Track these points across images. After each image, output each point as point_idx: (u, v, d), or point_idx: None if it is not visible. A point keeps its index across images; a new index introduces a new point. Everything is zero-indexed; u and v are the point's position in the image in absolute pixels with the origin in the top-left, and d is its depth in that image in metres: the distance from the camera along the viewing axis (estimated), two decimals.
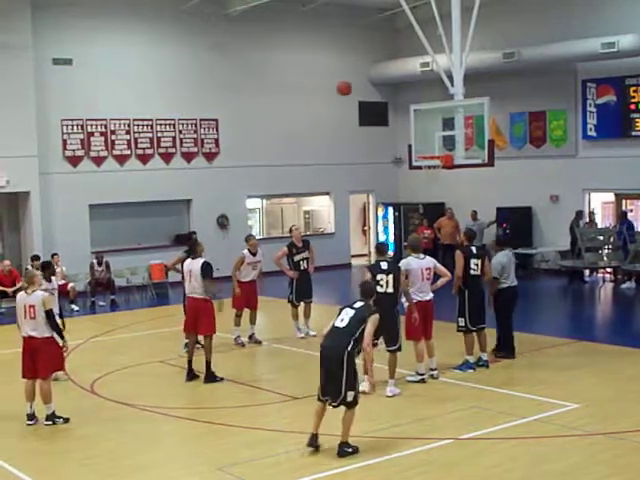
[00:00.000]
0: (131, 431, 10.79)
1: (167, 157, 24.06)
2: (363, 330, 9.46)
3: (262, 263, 15.86)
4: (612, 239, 22.24)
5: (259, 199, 26.63)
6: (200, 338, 13.59)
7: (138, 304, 21.38)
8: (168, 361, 14.55)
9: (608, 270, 22.82)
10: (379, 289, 11.71)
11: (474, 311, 13.24)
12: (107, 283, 21.32)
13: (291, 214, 27.57)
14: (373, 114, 27.71)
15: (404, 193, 27.91)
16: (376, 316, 9.64)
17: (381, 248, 12.98)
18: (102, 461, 9.67)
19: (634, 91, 22.21)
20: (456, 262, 13.33)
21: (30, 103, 21.41)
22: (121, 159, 23.31)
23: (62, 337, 11.13)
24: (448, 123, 16.90)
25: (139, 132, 23.52)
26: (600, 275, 23.20)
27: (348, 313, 9.64)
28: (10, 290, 19.24)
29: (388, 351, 12.05)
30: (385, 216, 27.89)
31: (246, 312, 15.81)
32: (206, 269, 13.13)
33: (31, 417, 11.05)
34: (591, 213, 23.63)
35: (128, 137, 23.37)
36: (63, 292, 14.19)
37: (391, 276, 11.90)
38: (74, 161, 22.64)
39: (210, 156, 24.81)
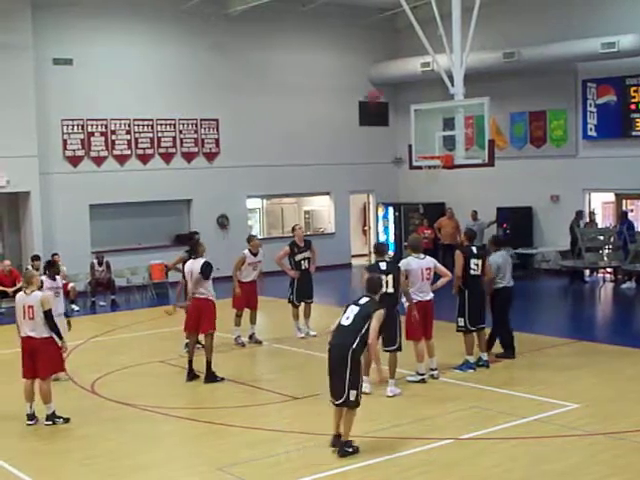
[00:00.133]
0: (131, 431, 10.80)
1: (167, 157, 24.07)
2: (369, 326, 9.46)
3: (262, 263, 15.87)
4: (612, 239, 22.25)
5: (259, 199, 26.63)
6: (201, 338, 13.60)
7: (138, 304, 21.39)
8: (168, 361, 14.56)
9: (608, 270, 22.81)
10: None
11: (474, 311, 13.23)
12: (107, 283, 21.33)
13: (291, 214, 27.56)
14: (373, 114, 27.71)
15: (404, 193, 27.91)
16: (381, 312, 9.65)
17: (380, 248, 12.96)
18: (102, 461, 9.67)
19: (634, 91, 22.21)
20: (455, 262, 13.33)
21: (30, 103, 21.41)
22: (121, 159, 23.32)
23: (61, 338, 11.12)
24: (448, 123, 16.90)
25: (139, 132, 23.53)
26: (600, 275, 23.19)
27: (353, 310, 9.64)
28: (10, 290, 19.25)
29: (387, 351, 12.05)
30: (385, 216, 27.90)
31: (246, 312, 15.81)
32: (205, 269, 13.14)
33: (31, 417, 11.05)
34: (591, 213, 23.63)
35: (128, 137, 23.37)
36: (63, 292, 14.22)
37: (390, 276, 11.89)
38: (74, 161, 22.65)
39: (210, 156, 24.82)
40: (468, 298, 13.21)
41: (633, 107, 22.28)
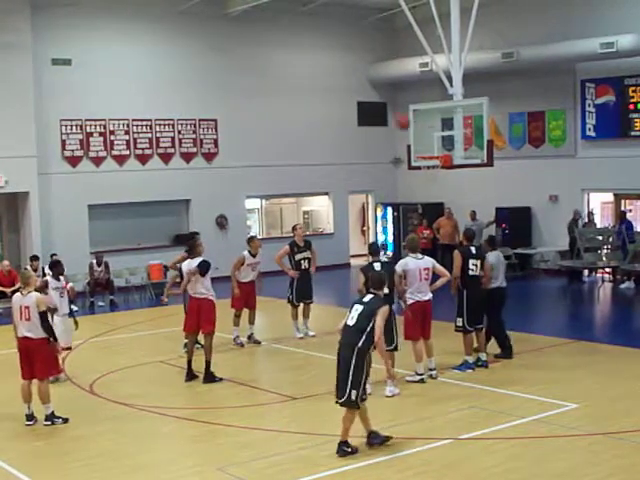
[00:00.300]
0: (130, 431, 10.79)
1: (166, 157, 24.06)
2: (374, 324, 9.47)
3: (261, 264, 15.85)
4: (611, 239, 22.25)
5: (258, 199, 26.62)
6: (200, 338, 13.60)
7: (137, 304, 21.39)
8: (168, 361, 14.55)
9: (607, 270, 22.81)
10: None
11: (472, 311, 13.23)
12: (106, 283, 21.32)
13: (290, 214, 27.55)
14: (372, 114, 27.72)
15: (403, 193, 27.91)
16: (385, 308, 9.67)
17: (374, 249, 12.94)
18: (101, 461, 9.66)
19: (633, 91, 22.21)
20: (454, 262, 13.32)
21: (29, 103, 21.40)
22: (120, 159, 23.31)
23: (55, 339, 11.09)
24: (447, 123, 16.90)
25: (138, 132, 23.51)
26: (599, 275, 23.19)
27: (357, 309, 9.64)
28: (9, 290, 19.22)
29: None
30: (384, 216, 27.90)
31: (245, 312, 15.80)
32: (202, 266, 13.11)
33: (30, 417, 11.04)
34: (590, 213, 23.63)
35: (127, 137, 23.36)
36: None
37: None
38: (73, 161, 22.64)
39: (209, 156, 24.81)
40: (467, 298, 13.21)
41: (632, 107, 22.29)
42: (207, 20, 24.17)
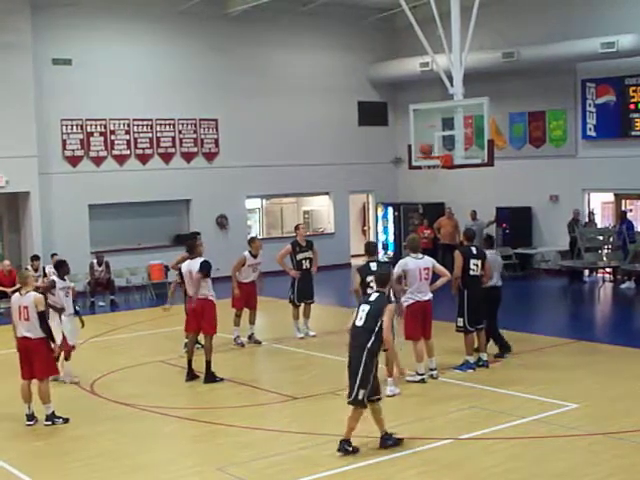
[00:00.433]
0: (130, 431, 10.80)
1: (167, 157, 24.06)
2: (382, 323, 9.49)
3: (262, 264, 15.85)
4: (612, 239, 22.25)
5: (259, 199, 26.62)
6: (200, 338, 13.60)
7: (138, 304, 21.39)
8: (168, 361, 14.55)
9: (608, 270, 22.81)
10: (369, 291, 11.74)
11: (473, 311, 13.22)
12: (107, 283, 21.32)
13: (291, 214, 27.55)
14: (372, 114, 27.72)
15: (404, 193, 27.91)
16: (391, 306, 9.71)
17: (370, 248, 12.92)
18: (102, 461, 9.67)
19: (633, 91, 22.21)
20: (455, 262, 13.32)
21: (29, 103, 21.40)
22: (121, 159, 23.31)
23: (53, 340, 11.09)
24: (448, 123, 16.89)
25: (139, 132, 23.52)
26: (600, 275, 23.19)
27: (365, 309, 9.65)
28: (9, 290, 19.19)
29: (385, 351, 12.03)
30: (385, 216, 27.90)
31: (245, 312, 15.80)
32: (205, 266, 13.10)
33: (30, 417, 11.05)
34: (590, 213, 23.63)
35: (128, 137, 23.36)
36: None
37: None
38: (74, 161, 22.64)
39: (210, 156, 24.81)
40: (467, 298, 13.20)
41: (632, 107, 22.28)
42: (207, 20, 24.17)
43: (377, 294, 9.84)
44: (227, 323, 15.36)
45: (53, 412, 11.04)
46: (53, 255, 20.27)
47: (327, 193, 27.50)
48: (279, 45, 25.69)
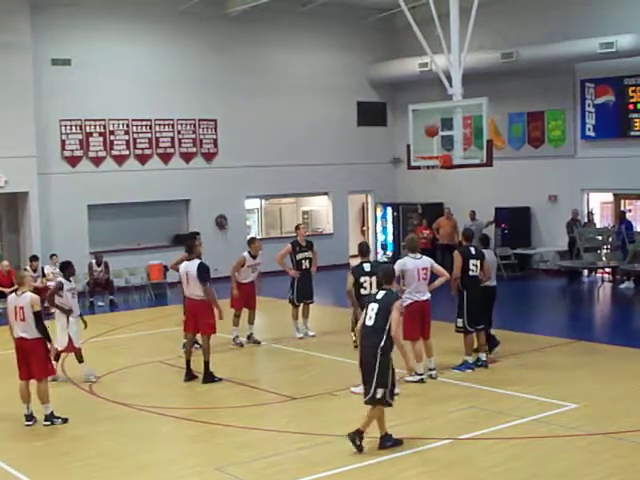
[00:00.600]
0: (130, 431, 10.79)
1: (166, 157, 24.05)
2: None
3: (261, 265, 15.84)
4: (611, 239, 22.25)
5: (258, 199, 26.61)
6: (198, 337, 13.58)
7: (137, 304, 21.38)
8: (167, 361, 14.55)
9: (607, 270, 22.81)
10: (363, 291, 11.79)
11: (473, 312, 13.21)
12: (106, 283, 21.31)
13: (290, 214, 27.56)
14: (372, 114, 27.72)
15: (403, 193, 27.91)
16: (399, 302, 9.72)
17: (363, 249, 12.91)
18: (101, 461, 9.67)
19: (632, 91, 22.21)
20: (454, 263, 13.31)
21: (29, 103, 21.39)
22: (120, 159, 23.30)
23: (49, 340, 11.08)
24: (447, 123, 16.89)
25: (138, 132, 23.51)
26: (599, 275, 23.20)
27: (373, 309, 9.65)
28: (8, 291, 19.17)
29: None
30: (384, 216, 27.90)
31: (245, 312, 15.79)
32: (203, 273, 13.03)
33: (29, 418, 11.04)
34: (590, 213, 23.63)
35: (127, 137, 23.35)
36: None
37: (374, 278, 11.88)
38: (73, 161, 22.63)
39: (209, 156, 24.81)
40: (467, 299, 13.19)
41: (631, 107, 22.29)
42: (207, 20, 24.15)
43: (384, 292, 9.83)
44: (226, 323, 15.31)
45: (52, 412, 11.03)
46: (52, 255, 20.30)
47: (326, 193, 27.50)
48: (279, 45, 25.69)
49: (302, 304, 16.21)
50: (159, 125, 23.85)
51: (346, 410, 11.24)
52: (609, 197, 24.20)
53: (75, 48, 22.42)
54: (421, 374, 12.57)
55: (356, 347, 12.03)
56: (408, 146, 17.41)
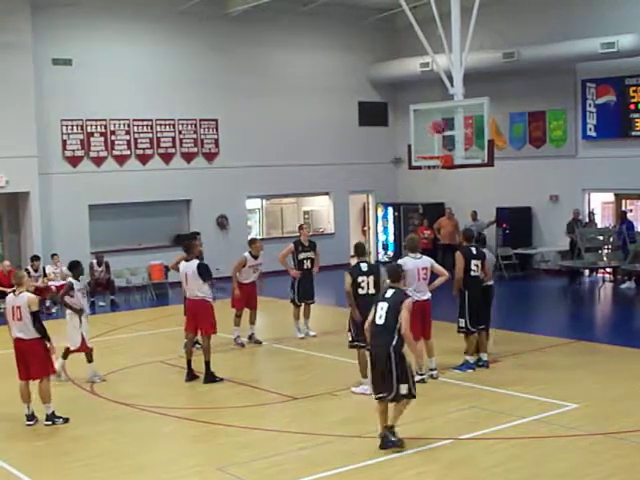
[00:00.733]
0: (131, 431, 10.79)
1: (167, 157, 24.05)
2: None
3: (262, 265, 15.84)
4: (612, 239, 22.24)
5: (259, 199, 26.61)
6: (199, 337, 13.58)
7: (138, 304, 21.38)
8: (168, 361, 14.55)
9: (608, 270, 22.81)
10: (360, 291, 11.76)
11: (474, 312, 13.21)
12: (107, 283, 21.30)
13: (291, 214, 27.55)
14: (373, 114, 27.72)
15: (404, 193, 27.90)
16: (409, 300, 9.74)
17: (359, 249, 12.89)
18: (102, 461, 9.67)
19: (634, 91, 22.20)
20: (456, 263, 13.30)
21: (30, 103, 21.39)
22: (121, 159, 23.30)
23: (49, 340, 11.07)
24: (448, 123, 16.88)
25: (139, 132, 23.51)
26: (600, 275, 23.19)
27: (383, 308, 9.66)
28: (9, 290, 19.17)
29: None
30: (385, 216, 27.90)
31: (246, 312, 15.79)
32: (204, 272, 13.05)
33: (30, 417, 11.04)
34: (591, 213, 23.63)
35: (128, 137, 23.35)
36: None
37: (372, 277, 11.88)
38: (74, 161, 22.63)
39: (210, 156, 24.81)
40: (469, 299, 13.18)
41: (632, 107, 22.28)
42: (207, 20, 24.14)
43: (392, 290, 9.85)
44: (227, 323, 15.36)
45: (53, 412, 11.04)
46: (53, 255, 20.32)
47: (327, 193, 27.49)
48: (279, 45, 25.69)
49: (303, 304, 16.21)
50: (160, 125, 23.85)
51: (347, 410, 11.25)
52: (610, 197, 24.18)
53: (76, 48, 22.42)
54: (422, 374, 12.56)
55: (350, 347, 12.09)
56: (409, 146, 17.41)
